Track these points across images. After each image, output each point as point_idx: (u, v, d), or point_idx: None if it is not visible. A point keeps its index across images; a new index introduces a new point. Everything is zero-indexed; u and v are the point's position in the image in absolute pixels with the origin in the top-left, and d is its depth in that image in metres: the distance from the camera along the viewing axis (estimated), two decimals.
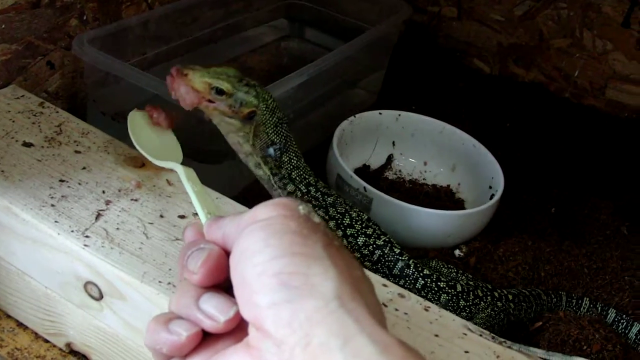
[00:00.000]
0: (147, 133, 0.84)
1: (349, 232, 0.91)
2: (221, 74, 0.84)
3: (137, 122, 0.84)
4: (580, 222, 1.23)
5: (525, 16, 1.55)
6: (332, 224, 0.91)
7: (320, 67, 1.07)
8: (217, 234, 0.52)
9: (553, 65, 1.56)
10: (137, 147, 0.81)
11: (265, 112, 0.86)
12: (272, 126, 0.87)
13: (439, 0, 1.64)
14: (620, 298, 1.05)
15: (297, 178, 0.91)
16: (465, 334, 0.71)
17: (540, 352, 0.69)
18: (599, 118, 1.53)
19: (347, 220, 0.91)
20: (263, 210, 0.48)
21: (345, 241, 0.90)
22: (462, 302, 0.90)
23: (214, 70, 0.84)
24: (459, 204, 1.17)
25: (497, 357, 0.69)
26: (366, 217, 0.93)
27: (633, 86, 1.51)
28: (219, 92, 0.82)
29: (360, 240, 0.90)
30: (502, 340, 0.71)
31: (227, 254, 0.50)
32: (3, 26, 0.95)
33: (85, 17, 1.07)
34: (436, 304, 0.88)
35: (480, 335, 0.71)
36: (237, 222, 0.50)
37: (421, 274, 0.90)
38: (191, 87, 0.82)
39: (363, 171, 1.19)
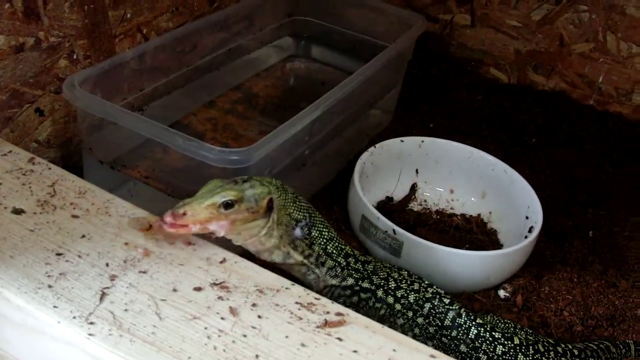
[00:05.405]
0: None
1: (399, 294, 0.83)
2: (213, 189, 0.74)
3: None
4: (622, 246, 1.13)
5: (544, 21, 1.45)
6: (380, 292, 0.83)
7: (337, 97, 0.97)
8: None
9: (575, 72, 1.47)
10: None
11: (280, 192, 0.79)
12: (291, 203, 0.80)
13: (451, 7, 1.54)
14: None
15: (334, 251, 0.83)
16: None
17: None
18: (628, 125, 1.44)
19: (392, 284, 0.84)
20: None
21: (399, 305, 0.83)
22: (520, 357, 0.81)
23: (202, 193, 0.74)
24: (492, 235, 1.07)
25: None
26: (405, 272, 0.86)
27: None
28: (228, 205, 0.73)
29: (412, 297, 0.83)
30: None
31: None
32: None
33: (75, 56, 0.96)
34: (491, 355, 0.80)
35: None
36: None
37: (474, 323, 0.81)
38: (199, 221, 0.72)
39: (387, 204, 1.09)
